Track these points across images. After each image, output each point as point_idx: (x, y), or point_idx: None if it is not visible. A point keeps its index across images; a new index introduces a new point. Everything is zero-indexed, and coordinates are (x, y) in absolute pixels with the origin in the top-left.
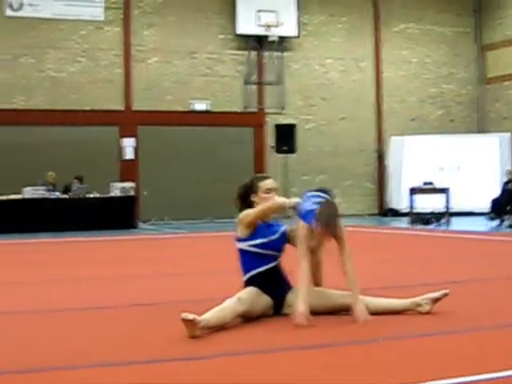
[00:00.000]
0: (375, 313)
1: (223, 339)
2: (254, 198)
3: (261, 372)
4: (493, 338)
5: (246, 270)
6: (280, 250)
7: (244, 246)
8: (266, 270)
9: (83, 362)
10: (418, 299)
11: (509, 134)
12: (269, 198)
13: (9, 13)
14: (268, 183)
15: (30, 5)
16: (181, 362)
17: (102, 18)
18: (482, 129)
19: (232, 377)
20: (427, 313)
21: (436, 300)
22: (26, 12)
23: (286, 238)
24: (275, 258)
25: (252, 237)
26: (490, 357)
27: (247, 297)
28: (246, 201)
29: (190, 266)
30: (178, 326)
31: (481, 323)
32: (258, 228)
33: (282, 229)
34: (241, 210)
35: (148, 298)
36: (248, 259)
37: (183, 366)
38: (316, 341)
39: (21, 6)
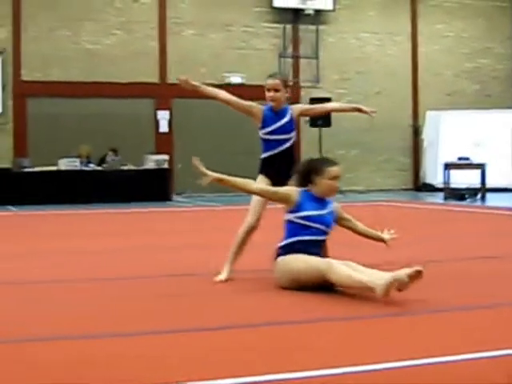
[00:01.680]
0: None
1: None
2: (316, 180)
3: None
4: None
5: (287, 238)
6: (328, 225)
7: (290, 217)
8: (309, 240)
9: (131, 329)
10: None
11: None
12: (333, 185)
13: None
14: (336, 170)
15: None
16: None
17: None
18: None
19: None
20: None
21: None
22: None
23: (335, 216)
24: (322, 232)
25: (297, 209)
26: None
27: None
28: (306, 179)
29: (221, 239)
30: (209, 296)
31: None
32: (303, 202)
33: (332, 206)
34: (298, 185)
35: (184, 269)
36: (292, 228)
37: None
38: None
39: None
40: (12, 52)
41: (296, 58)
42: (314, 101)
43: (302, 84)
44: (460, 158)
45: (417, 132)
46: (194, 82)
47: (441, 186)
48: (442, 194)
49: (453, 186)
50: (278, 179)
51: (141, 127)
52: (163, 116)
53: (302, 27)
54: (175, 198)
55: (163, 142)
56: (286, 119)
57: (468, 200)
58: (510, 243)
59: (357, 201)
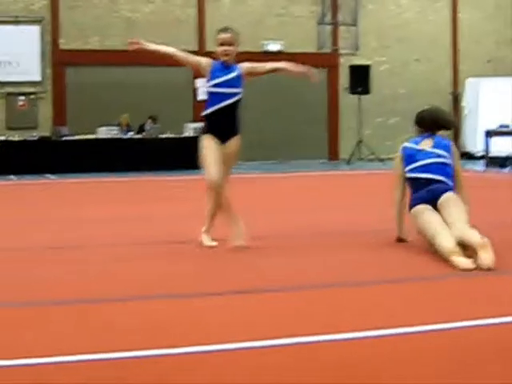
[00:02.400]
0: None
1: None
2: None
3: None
4: None
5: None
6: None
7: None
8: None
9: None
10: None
11: None
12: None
13: None
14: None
15: None
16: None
17: None
18: None
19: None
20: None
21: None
22: None
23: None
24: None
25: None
26: None
27: None
28: None
29: (254, 205)
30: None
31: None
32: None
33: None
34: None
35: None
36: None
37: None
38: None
39: None
40: (50, 21)
41: (335, 25)
42: (353, 68)
43: (341, 51)
44: (501, 126)
45: (457, 99)
46: (145, 45)
47: (481, 154)
48: (482, 162)
49: (494, 154)
50: (223, 137)
51: (179, 95)
52: (202, 84)
53: None
54: None
55: (202, 110)
56: (234, 74)
57: (509, 168)
58: None
59: (386, 167)
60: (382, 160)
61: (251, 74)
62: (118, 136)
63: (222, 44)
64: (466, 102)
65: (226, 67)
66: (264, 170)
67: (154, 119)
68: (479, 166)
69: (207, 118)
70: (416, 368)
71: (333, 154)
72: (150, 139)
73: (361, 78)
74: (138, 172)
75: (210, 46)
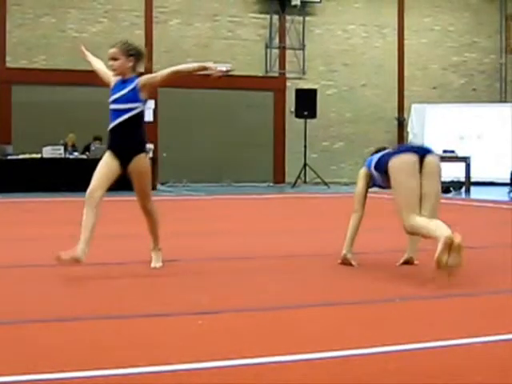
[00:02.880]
0: None
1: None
2: None
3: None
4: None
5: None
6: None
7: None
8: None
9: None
10: None
11: None
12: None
13: None
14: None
15: None
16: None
17: None
18: (504, 98)
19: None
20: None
21: None
22: None
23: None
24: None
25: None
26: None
27: None
28: None
29: (203, 227)
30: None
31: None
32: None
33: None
34: None
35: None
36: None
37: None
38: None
39: None
40: None
41: (283, 48)
42: (300, 92)
43: (288, 75)
44: (445, 151)
45: (402, 125)
46: (86, 54)
47: None
48: None
49: None
50: (123, 154)
51: None
52: (148, 105)
53: (288, 18)
54: (159, 187)
55: (148, 132)
56: (128, 88)
57: (453, 193)
58: (494, 234)
59: (340, 192)
60: (326, 184)
61: (151, 84)
62: (63, 156)
63: (109, 59)
64: (411, 128)
65: (123, 82)
66: (209, 193)
67: (99, 139)
68: None
69: (108, 136)
70: None
71: (278, 177)
72: (95, 159)
73: (307, 102)
74: (83, 192)
75: (157, 68)
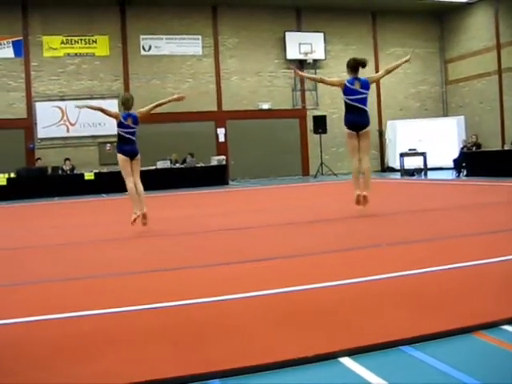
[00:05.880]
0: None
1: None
2: None
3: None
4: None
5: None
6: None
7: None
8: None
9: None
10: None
11: (463, 117)
12: None
13: (143, 53)
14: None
15: (156, 47)
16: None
17: (201, 53)
18: (446, 114)
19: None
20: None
21: None
22: (153, 51)
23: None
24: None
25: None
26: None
27: None
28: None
29: (261, 204)
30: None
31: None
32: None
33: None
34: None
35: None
36: None
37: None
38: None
39: (149, 48)
40: None
41: (303, 90)
42: (315, 117)
43: (307, 107)
44: (410, 149)
45: (382, 134)
46: (84, 107)
47: (398, 168)
48: (399, 173)
49: (406, 167)
50: (131, 155)
51: (208, 139)
52: (221, 131)
53: (305, 71)
54: (230, 182)
55: (221, 148)
56: (132, 119)
57: (416, 176)
58: (441, 200)
59: (343, 179)
60: (335, 174)
61: (145, 115)
62: (169, 167)
63: (127, 104)
64: (388, 136)
65: (128, 115)
66: (262, 184)
67: (192, 155)
68: (397, 175)
69: (122, 143)
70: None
71: (305, 172)
72: (189, 168)
73: (320, 124)
74: (183, 188)
75: (225, 108)
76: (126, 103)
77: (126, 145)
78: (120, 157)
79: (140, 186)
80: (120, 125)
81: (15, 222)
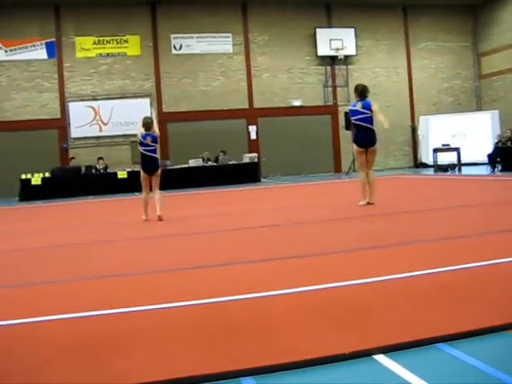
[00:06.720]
0: None
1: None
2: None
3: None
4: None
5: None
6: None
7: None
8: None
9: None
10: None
11: (497, 111)
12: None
13: (174, 51)
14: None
15: (187, 45)
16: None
17: (231, 51)
18: (479, 108)
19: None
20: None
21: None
22: (184, 50)
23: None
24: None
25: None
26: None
27: None
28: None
29: (293, 201)
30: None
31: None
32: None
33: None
34: None
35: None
36: None
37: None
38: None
39: (180, 47)
40: (156, 95)
41: (334, 87)
42: (347, 113)
43: (338, 103)
44: (443, 145)
45: (414, 130)
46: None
47: (431, 163)
48: (432, 169)
49: (439, 163)
50: (150, 171)
51: (239, 137)
52: (252, 129)
53: (336, 67)
54: (262, 179)
55: (253, 146)
56: (151, 137)
57: (449, 171)
58: (476, 196)
59: (378, 176)
60: None
61: (158, 133)
62: (202, 164)
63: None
64: (420, 131)
65: (147, 135)
66: (293, 181)
67: (224, 152)
68: (430, 171)
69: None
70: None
71: (337, 168)
72: (222, 165)
73: None
74: (215, 186)
75: (256, 105)
76: (147, 125)
77: (146, 162)
78: (141, 172)
79: (157, 194)
80: (141, 144)
81: (67, 218)
